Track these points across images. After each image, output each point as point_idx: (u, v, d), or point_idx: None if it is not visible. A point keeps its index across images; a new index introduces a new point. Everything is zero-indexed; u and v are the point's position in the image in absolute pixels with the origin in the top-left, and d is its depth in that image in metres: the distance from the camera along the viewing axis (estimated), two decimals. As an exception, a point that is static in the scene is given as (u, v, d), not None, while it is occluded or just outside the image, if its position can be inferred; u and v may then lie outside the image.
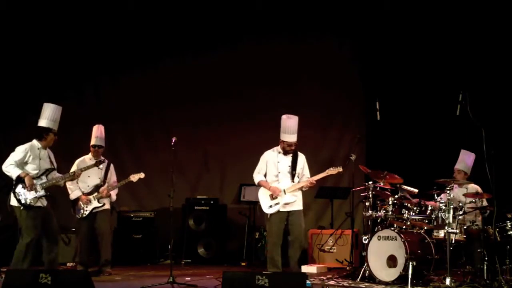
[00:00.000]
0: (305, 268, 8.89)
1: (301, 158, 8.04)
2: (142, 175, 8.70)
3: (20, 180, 7.29)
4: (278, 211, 7.85)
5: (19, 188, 7.29)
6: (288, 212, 7.87)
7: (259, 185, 8.04)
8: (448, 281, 7.25)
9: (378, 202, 8.23)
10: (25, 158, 7.36)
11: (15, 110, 10.86)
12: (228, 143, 10.98)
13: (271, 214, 7.88)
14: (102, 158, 8.54)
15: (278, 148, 8.03)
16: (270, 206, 7.89)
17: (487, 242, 7.47)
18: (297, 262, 7.99)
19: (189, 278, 8.08)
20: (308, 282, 6.70)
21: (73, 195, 8.49)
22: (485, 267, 7.36)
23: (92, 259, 8.68)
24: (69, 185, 8.45)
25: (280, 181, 7.92)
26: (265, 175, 8.03)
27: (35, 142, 7.49)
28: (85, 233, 8.57)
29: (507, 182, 8.28)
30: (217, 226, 10.37)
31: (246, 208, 10.43)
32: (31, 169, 7.41)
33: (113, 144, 10.99)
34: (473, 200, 7.82)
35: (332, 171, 7.93)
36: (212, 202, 10.48)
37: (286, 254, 7.94)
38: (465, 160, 8.34)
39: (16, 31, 10.72)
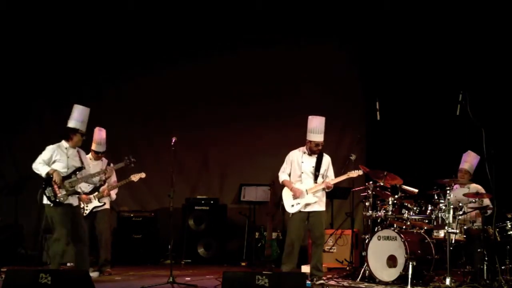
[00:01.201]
0: (305, 268, 8.89)
1: (326, 159, 8.01)
2: (143, 175, 8.70)
3: (49, 178, 7.42)
4: (299, 211, 7.84)
5: (48, 186, 7.42)
6: (309, 212, 7.85)
7: (283, 185, 8.03)
8: (448, 281, 7.25)
9: (378, 202, 8.23)
10: (53, 157, 7.52)
11: (18, 113, 10.90)
12: (228, 143, 10.98)
13: (292, 214, 7.88)
14: (104, 159, 8.66)
15: (304, 148, 8.01)
16: (292, 206, 7.88)
17: (487, 242, 7.47)
18: (320, 262, 7.92)
19: (189, 278, 8.08)
20: (308, 282, 6.70)
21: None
22: (485, 267, 7.35)
23: (91, 259, 8.67)
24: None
25: (303, 181, 7.91)
26: (289, 175, 8.02)
27: (63, 142, 7.65)
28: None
29: (507, 182, 8.29)
30: (217, 226, 10.37)
31: (246, 208, 10.44)
32: (60, 167, 7.53)
33: (114, 145, 10.97)
34: (473, 200, 7.82)
35: (353, 173, 7.93)
36: (212, 202, 10.48)
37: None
38: (472, 161, 8.30)
39: (18, 34, 10.73)
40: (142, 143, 11.15)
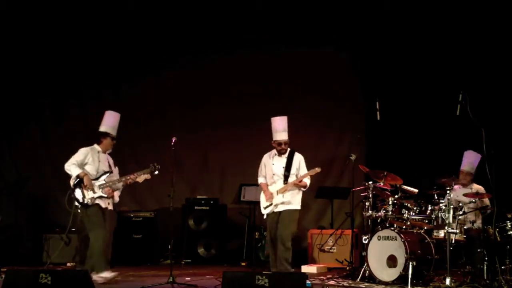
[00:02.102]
0: (305, 268, 8.90)
1: (297, 158, 8.11)
2: (148, 176, 8.65)
3: (79, 180, 7.63)
4: (273, 212, 8.02)
5: (78, 188, 7.65)
6: (280, 212, 7.99)
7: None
8: (448, 281, 7.25)
9: (378, 202, 8.23)
10: (86, 160, 7.75)
11: (18, 113, 10.91)
12: (228, 143, 10.99)
13: (267, 215, 8.11)
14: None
15: (274, 151, 8.17)
16: (265, 208, 8.12)
17: (487, 242, 7.47)
18: (286, 261, 7.81)
19: (189, 278, 8.09)
20: (308, 282, 6.69)
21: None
22: (485, 267, 7.36)
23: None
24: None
25: (276, 182, 8.07)
26: (266, 177, 8.22)
27: (95, 146, 7.90)
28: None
29: (507, 182, 8.29)
30: (217, 226, 10.38)
31: (246, 208, 10.44)
32: (90, 170, 7.75)
33: (115, 146, 10.99)
34: (473, 200, 7.81)
35: (311, 172, 7.96)
36: (212, 202, 10.48)
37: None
38: (472, 162, 8.29)
39: (17, 35, 10.74)
40: (142, 143, 11.15)
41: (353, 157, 8.45)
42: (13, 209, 10.30)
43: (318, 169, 7.96)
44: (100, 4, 10.71)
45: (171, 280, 7.40)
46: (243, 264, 10.06)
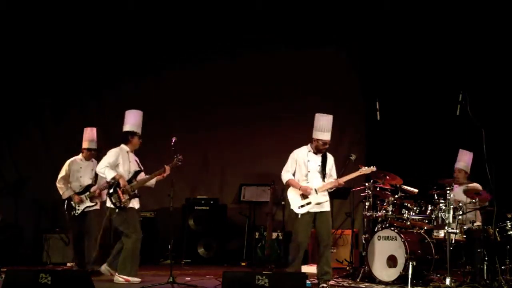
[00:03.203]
0: (305, 268, 8.89)
1: (330, 159, 7.76)
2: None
3: (114, 183, 7.57)
4: (308, 212, 7.54)
5: (114, 192, 7.57)
6: (316, 213, 7.56)
7: (288, 184, 7.71)
8: (448, 281, 7.26)
9: (378, 202, 8.23)
10: (117, 161, 7.67)
11: (18, 113, 10.90)
12: (228, 143, 10.99)
13: (301, 214, 7.55)
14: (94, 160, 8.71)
15: (309, 146, 7.71)
16: (301, 206, 7.53)
17: (487, 242, 7.47)
18: (330, 263, 7.63)
19: (189, 278, 8.08)
20: (308, 282, 6.69)
21: (66, 194, 8.57)
22: (485, 267, 7.35)
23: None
24: (60, 185, 8.57)
25: (309, 180, 7.59)
26: (293, 174, 7.69)
27: (123, 146, 7.82)
28: (77, 233, 8.64)
29: (507, 182, 8.29)
30: (217, 226, 10.37)
31: (246, 208, 10.44)
32: (123, 171, 7.70)
33: (114, 145, 10.95)
34: (473, 200, 7.81)
35: (366, 170, 7.65)
36: (212, 202, 10.48)
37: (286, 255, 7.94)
38: (465, 159, 8.34)
39: (17, 35, 10.73)
40: (142, 143, 11.13)
41: (353, 157, 8.40)
42: (13, 209, 10.30)
43: (374, 168, 7.66)
44: (100, 4, 10.72)
45: (171, 280, 7.39)
46: (243, 264, 10.06)
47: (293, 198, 7.60)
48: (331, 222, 7.83)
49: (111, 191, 7.59)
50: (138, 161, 7.98)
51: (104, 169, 7.57)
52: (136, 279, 7.72)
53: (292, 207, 7.59)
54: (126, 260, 7.68)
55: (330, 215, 7.79)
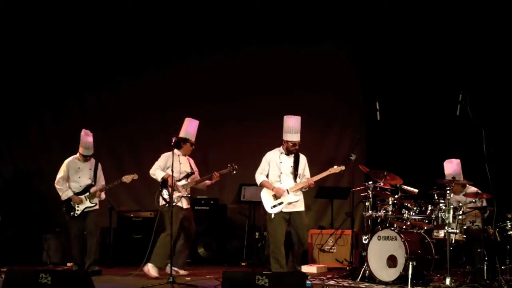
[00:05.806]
0: (305, 268, 8.89)
1: (303, 159, 8.06)
2: (135, 176, 8.73)
3: (164, 182, 8.26)
4: (281, 211, 7.85)
5: (164, 189, 8.24)
6: (290, 212, 7.86)
7: (262, 186, 8.03)
8: (448, 281, 7.26)
9: (378, 202, 8.23)
10: (167, 164, 8.29)
11: (18, 113, 10.90)
12: (228, 143, 10.97)
13: (274, 214, 7.86)
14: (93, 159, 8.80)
15: (281, 148, 8.04)
16: (274, 206, 7.88)
17: (487, 242, 7.47)
18: (300, 262, 8.02)
19: (189, 278, 8.09)
20: (308, 282, 6.69)
21: (65, 195, 8.59)
22: (485, 267, 7.35)
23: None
24: (58, 186, 8.58)
25: (282, 181, 7.93)
26: (267, 176, 8.03)
27: (175, 150, 8.26)
28: (77, 233, 8.64)
29: (507, 182, 8.28)
30: (217, 226, 10.38)
31: (246, 208, 10.43)
32: (173, 172, 8.03)
33: (114, 146, 11.01)
34: (473, 200, 7.81)
35: (335, 169, 7.89)
36: (212, 202, 10.48)
37: (287, 254, 7.94)
38: (455, 169, 8.21)
39: (17, 35, 10.73)
40: (142, 143, 11.14)
41: (353, 157, 8.43)
42: (13, 208, 10.29)
43: (343, 167, 7.93)
44: (100, 3, 10.72)
45: (171, 280, 7.39)
46: (243, 264, 10.05)
47: (266, 199, 7.96)
48: (305, 221, 8.10)
49: (161, 189, 8.25)
50: (192, 164, 8.71)
51: (155, 171, 8.38)
52: (157, 275, 8.11)
53: (265, 207, 7.94)
54: (158, 251, 8.23)
55: (304, 215, 8.01)
